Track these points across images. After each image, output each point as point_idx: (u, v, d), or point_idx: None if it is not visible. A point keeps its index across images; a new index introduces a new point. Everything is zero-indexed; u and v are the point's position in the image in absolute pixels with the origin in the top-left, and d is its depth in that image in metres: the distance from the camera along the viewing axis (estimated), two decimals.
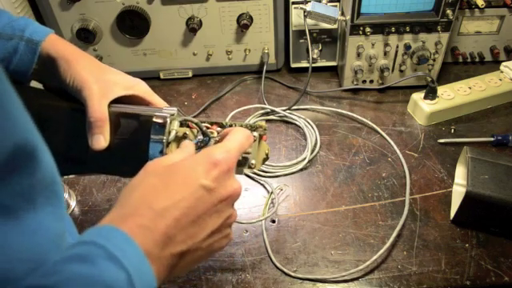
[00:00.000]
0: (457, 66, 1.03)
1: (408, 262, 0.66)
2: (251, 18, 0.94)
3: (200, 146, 0.48)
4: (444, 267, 0.65)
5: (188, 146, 0.45)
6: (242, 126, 0.50)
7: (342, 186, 0.77)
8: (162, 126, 0.48)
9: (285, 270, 0.65)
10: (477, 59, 1.02)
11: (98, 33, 0.94)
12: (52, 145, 0.36)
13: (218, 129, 0.50)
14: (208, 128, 0.50)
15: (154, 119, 0.48)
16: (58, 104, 0.49)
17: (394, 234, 0.68)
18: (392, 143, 0.84)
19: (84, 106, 0.48)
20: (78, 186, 0.79)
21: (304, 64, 1.01)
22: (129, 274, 0.32)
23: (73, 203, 0.75)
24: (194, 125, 0.49)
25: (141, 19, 0.93)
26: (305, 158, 0.81)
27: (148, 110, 0.50)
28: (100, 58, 0.98)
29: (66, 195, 0.75)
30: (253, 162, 0.49)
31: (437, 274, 0.64)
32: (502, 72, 0.93)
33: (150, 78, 1.02)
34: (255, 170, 0.51)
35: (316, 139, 0.85)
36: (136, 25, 0.94)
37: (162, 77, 1.03)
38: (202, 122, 0.49)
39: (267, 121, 0.91)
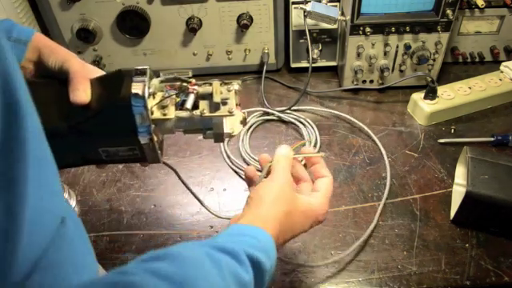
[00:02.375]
0: (457, 66, 1.03)
1: (408, 262, 0.66)
2: (251, 18, 0.94)
3: (181, 103, 0.52)
4: (444, 267, 0.65)
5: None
6: (215, 82, 0.53)
7: (342, 186, 0.77)
8: (143, 73, 0.51)
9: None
10: (477, 59, 1.02)
11: (98, 33, 0.94)
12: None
13: (195, 86, 0.53)
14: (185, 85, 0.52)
15: (135, 67, 0.50)
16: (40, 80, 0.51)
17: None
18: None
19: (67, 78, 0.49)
20: (78, 186, 0.79)
21: (304, 64, 1.01)
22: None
23: (73, 203, 0.75)
24: (173, 81, 0.53)
25: (141, 19, 0.93)
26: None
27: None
28: (100, 58, 0.98)
29: (66, 195, 0.75)
30: (231, 128, 0.55)
31: (437, 274, 0.64)
32: (501, 72, 0.93)
33: None
34: (235, 134, 0.55)
35: (316, 139, 0.85)
36: (136, 25, 0.93)
37: None
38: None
39: (267, 121, 0.91)
